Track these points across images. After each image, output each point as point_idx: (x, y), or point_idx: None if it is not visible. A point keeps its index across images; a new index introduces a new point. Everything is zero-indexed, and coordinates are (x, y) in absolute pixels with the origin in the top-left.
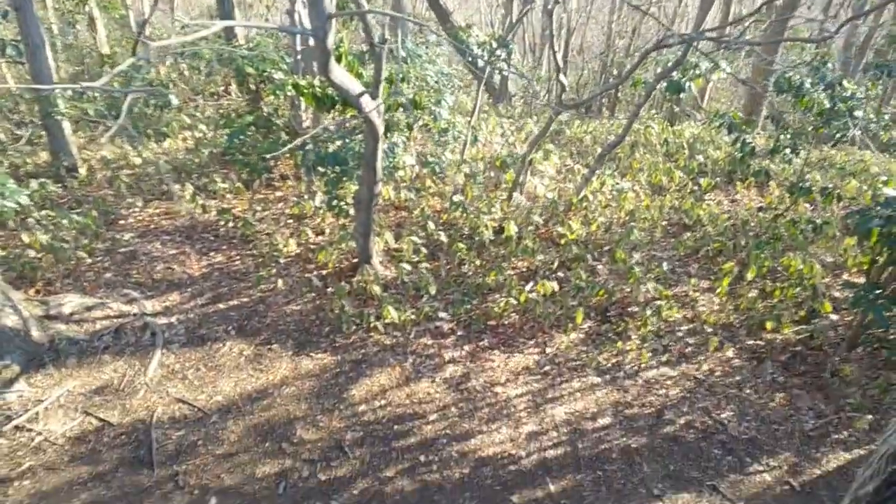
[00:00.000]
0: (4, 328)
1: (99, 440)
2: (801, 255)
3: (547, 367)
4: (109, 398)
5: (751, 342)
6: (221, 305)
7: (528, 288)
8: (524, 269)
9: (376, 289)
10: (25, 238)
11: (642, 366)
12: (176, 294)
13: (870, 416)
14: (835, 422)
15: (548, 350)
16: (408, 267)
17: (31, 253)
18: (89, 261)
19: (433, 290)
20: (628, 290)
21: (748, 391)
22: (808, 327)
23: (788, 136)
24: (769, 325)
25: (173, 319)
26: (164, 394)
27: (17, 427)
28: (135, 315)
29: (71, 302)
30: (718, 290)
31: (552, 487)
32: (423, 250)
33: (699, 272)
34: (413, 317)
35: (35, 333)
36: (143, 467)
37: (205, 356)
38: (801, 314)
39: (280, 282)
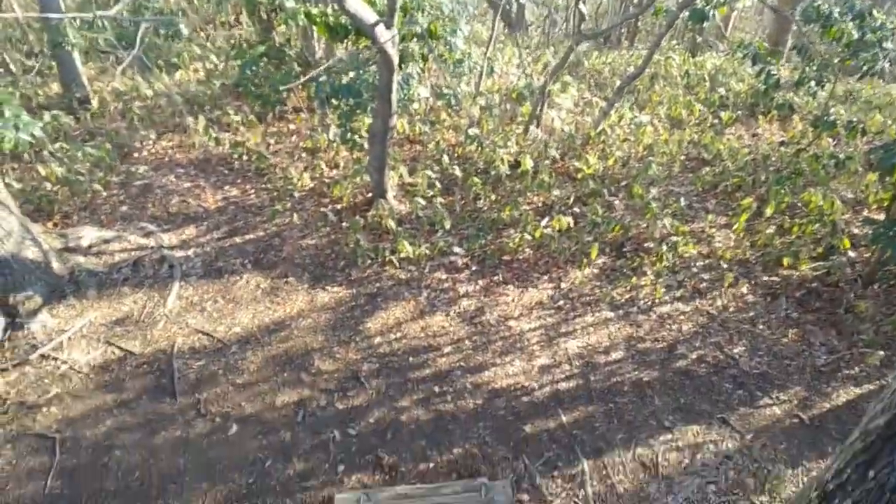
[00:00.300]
0: (25, 260)
1: (122, 369)
2: (822, 190)
3: (561, 302)
4: (130, 329)
5: (766, 278)
6: (237, 239)
7: (543, 223)
8: (540, 205)
9: (391, 223)
10: (41, 171)
11: (656, 301)
12: (192, 227)
13: (882, 352)
14: (846, 357)
15: (562, 285)
16: (422, 202)
17: (48, 186)
18: (105, 194)
19: (448, 225)
20: (644, 225)
21: (761, 327)
22: (826, 264)
23: (814, 67)
24: (786, 261)
25: (190, 252)
26: (184, 325)
27: (42, 356)
28: (152, 248)
29: (89, 235)
30: (736, 226)
31: (564, 418)
32: (438, 185)
33: (717, 208)
34: (427, 251)
35: (55, 265)
36: (165, 395)
37: (222, 289)
38: (818, 251)
39: (295, 216)
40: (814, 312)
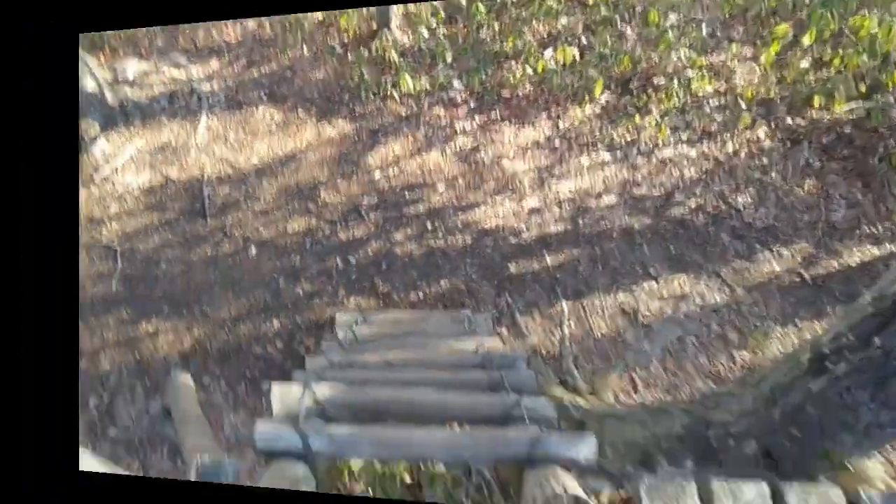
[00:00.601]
0: (84, 90)
1: (164, 193)
2: (879, 13)
3: (557, 142)
4: (169, 156)
5: (790, 121)
6: (254, 72)
7: (547, 55)
8: (545, 35)
9: (394, 55)
10: None
11: (659, 143)
12: (215, 60)
13: None
14: (870, 213)
15: (560, 124)
16: (426, 33)
17: None
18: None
19: (449, 58)
20: (657, 59)
21: (774, 175)
22: (866, 104)
23: None
24: (817, 100)
25: (214, 86)
26: (211, 154)
27: (103, 178)
28: (184, 81)
29: (132, 67)
30: (764, 59)
31: (549, 260)
32: (442, 13)
33: (743, 37)
34: (428, 87)
35: (108, 96)
36: (198, 218)
37: (242, 120)
38: (860, 89)
39: (305, 48)
40: (840, 161)
